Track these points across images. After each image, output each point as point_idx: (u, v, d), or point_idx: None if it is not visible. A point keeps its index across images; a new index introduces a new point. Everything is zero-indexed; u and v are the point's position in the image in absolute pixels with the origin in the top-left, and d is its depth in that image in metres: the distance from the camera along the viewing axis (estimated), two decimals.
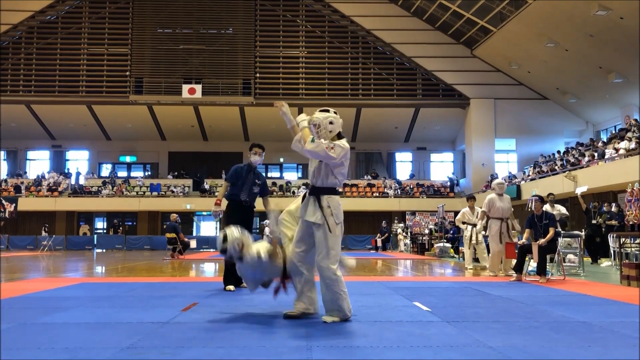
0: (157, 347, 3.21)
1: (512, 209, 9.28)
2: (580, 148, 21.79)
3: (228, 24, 27.49)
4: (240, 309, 4.82)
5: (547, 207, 9.81)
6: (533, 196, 8.38)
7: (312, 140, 4.07)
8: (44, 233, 25.68)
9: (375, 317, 4.36)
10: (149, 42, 27.25)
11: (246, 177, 6.66)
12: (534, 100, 26.77)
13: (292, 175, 31.33)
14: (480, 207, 9.88)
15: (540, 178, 21.49)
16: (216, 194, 27.96)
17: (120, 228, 28.44)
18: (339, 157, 4.12)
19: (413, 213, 24.46)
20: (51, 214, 27.48)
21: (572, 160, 20.34)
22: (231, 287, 6.50)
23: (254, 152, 6.70)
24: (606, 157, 17.61)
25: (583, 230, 12.46)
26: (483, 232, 10.02)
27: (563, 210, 11.08)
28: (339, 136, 4.29)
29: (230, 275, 6.46)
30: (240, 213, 6.62)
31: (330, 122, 4.22)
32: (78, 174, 29.42)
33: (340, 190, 4.37)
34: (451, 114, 27.86)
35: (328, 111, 4.28)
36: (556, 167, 21.04)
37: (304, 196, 4.47)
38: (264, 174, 7.13)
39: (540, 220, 8.05)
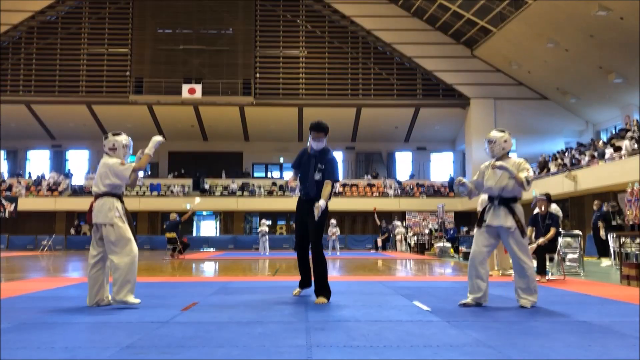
0: (157, 347, 3.20)
1: None
2: (580, 148, 21.79)
3: (228, 24, 27.48)
4: (241, 308, 4.81)
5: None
6: (540, 195, 8.33)
7: (528, 183, 4.79)
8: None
9: (375, 317, 4.35)
10: (149, 42, 27.24)
11: (308, 161, 5.44)
12: (534, 100, 26.75)
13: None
14: None
15: (540, 178, 21.47)
16: (216, 194, 28.22)
17: None
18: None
19: (408, 213, 24.50)
20: (51, 214, 27.47)
21: (572, 159, 20.33)
22: (297, 291, 5.69)
23: (311, 137, 5.36)
24: (606, 157, 17.60)
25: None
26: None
27: (560, 211, 11.00)
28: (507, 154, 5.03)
29: (307, 278, 5.63)
30: (298, 212, 5.47)
31: (505, 141, 4.96)
32: (86, 173, 29.63)
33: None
34: (451, 114, 27.85)
35: (504, 132, 5.01)
36: (551, 166, 21.03)
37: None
38: (331, 158, 5.42)
39: (544, 220, 8.05)
